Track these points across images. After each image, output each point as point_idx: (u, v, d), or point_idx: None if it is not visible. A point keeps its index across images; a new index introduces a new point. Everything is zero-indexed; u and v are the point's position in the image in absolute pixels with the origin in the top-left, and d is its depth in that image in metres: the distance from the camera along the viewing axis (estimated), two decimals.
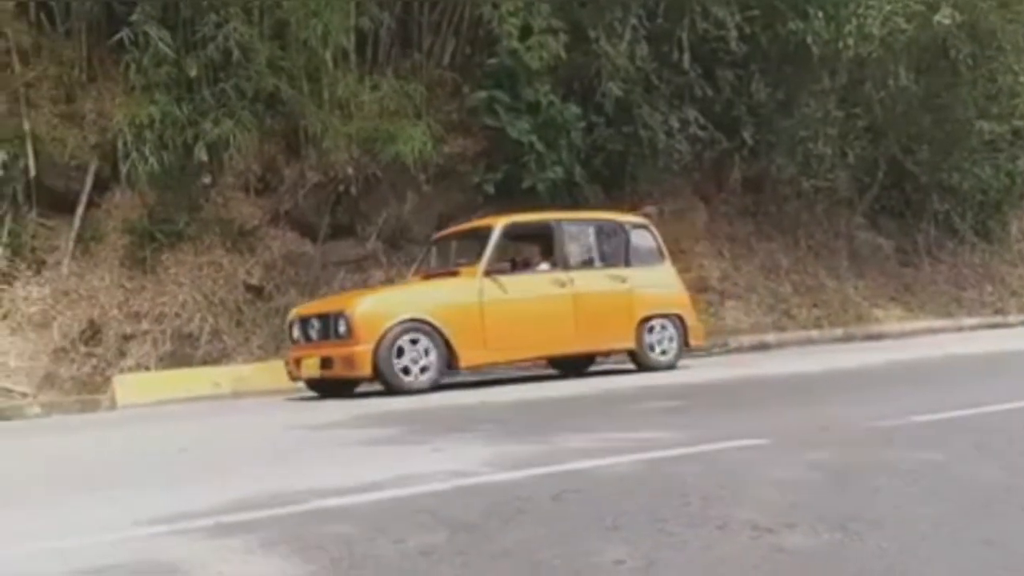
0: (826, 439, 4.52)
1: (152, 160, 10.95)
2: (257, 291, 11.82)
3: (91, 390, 10.24)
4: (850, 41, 14.61)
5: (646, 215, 11.15)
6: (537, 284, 9.84)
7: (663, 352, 10.22)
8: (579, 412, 6.63)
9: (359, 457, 4.81)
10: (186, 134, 11.20)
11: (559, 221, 10.17)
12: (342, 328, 8.85)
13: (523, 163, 12.77)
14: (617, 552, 2.59)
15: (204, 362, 10.94)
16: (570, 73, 13.29)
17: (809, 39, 14.46)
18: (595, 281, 10.07)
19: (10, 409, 9.63)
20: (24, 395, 9.98)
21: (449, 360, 9.01)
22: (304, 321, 9.43)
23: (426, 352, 8.84)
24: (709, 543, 2.68)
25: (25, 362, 10.34)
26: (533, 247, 10.48)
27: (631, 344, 10.12)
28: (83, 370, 10.52)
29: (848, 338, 14.51)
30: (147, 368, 10.65)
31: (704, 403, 6.77)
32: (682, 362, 10.37)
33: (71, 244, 11.17)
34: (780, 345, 13.62)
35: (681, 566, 2.49)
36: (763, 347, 13.45)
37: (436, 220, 13.11)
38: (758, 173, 16.00)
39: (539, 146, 12.74)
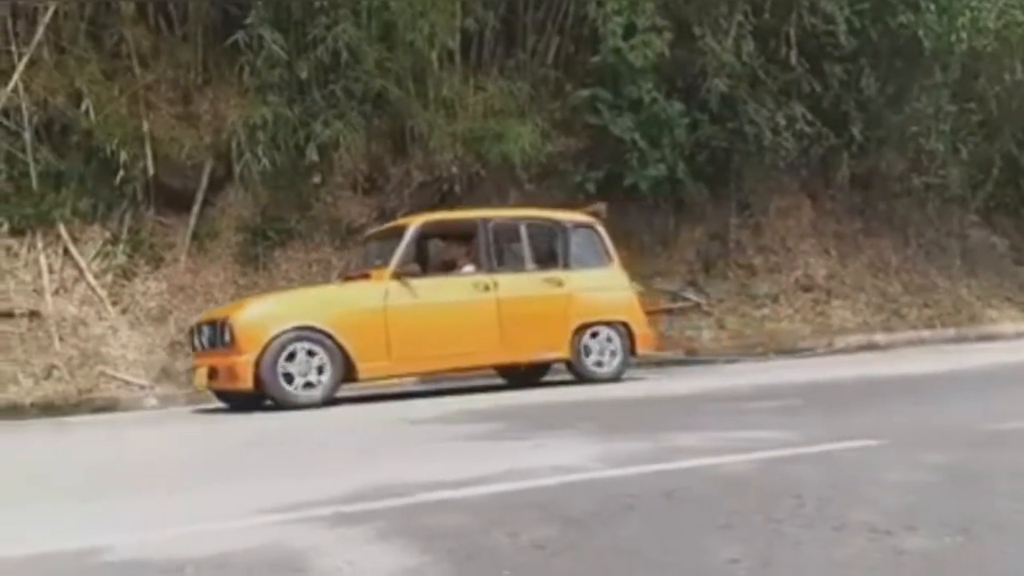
0: (940, 440, 4.42)
1: (264, 160, 11.26)
2: None
3: None
4: (963, 35, 14.19)
5: (594, 213, 10.25)
6: (455, 288, 9.05)
7: (600, 363, 9.36)
8: (681, 411, 6.60)
9: (464, 452, 4.89)
10: (298, 135, 11.47)
11: (485, 220, 9.37)
12: (226, 336, 8.19)
13: (625, 161, 12.72)
14: (731, 551, 2.59)
15: None
16: (674, 70, 13.19)
17: (920, 32, 14.08)
18: (524, 285, 9.25)
19: (129, 401, 10.01)
20: (142, 387, 10.36)
21: (346, 371, 8.29)
22: (199, 328, 8.85)
23: (319, 363, 8.13)
24: (826, 544, 2.66)
25: (143, 355, 10.73)
26: (461, 248, 9.70)
27: (565, 353, 9.28)
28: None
29: (960, 339, 14.09)
30: None
31: (815, 403, 6.66)
32: (780, 363, 10.08)
33: (187, 241, 11.56)
34: (889, 346, 13.31)
35: (798, 567, 2.48)
36: (871, 347, 13.16)
37: None
38: (867, 170, 15.64)
39: (642, 143, 12.67)
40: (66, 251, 11.00)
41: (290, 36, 11.48)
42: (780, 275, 14.35)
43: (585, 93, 12.88)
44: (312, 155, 11.51)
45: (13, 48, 10.95)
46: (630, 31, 12.38)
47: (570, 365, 9.41)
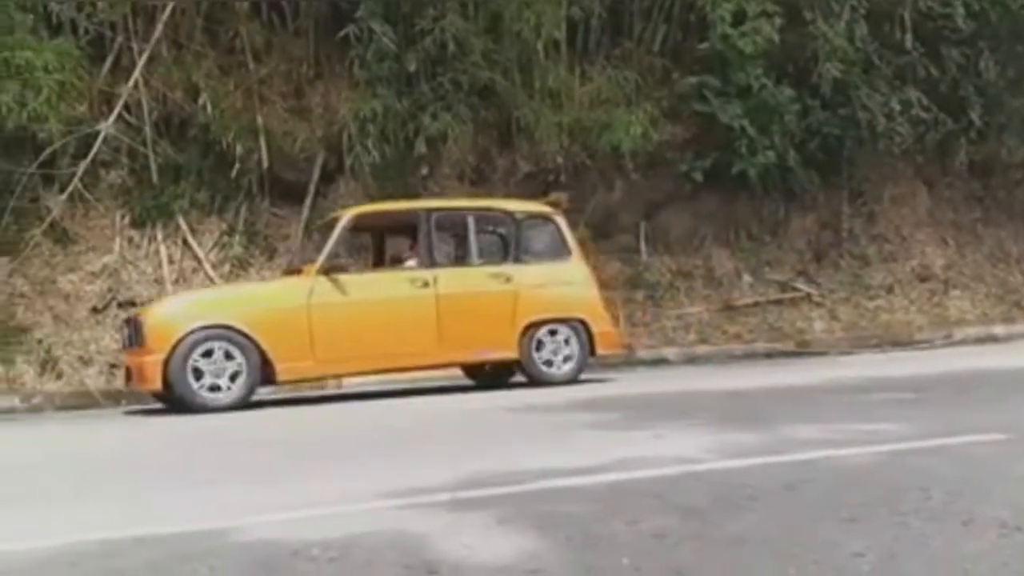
0: None
1: (374, 152, 11.43)
2: None
3: None
4: None
5: (554, 204, 9.78)
6: (389, 284, 8.59)
7: (552, 362, 8.74)
8: (797, 403, 6.49)
9: (581, 440, 4.90)
10: (407, 127, 11.62)
11: (427, 211, 8.80)
12: (138, 335, 7.89)
13: (734, 149, 12.55)
14: (856, 544, 2.55)
15: None
16: (784, 55, 12.94)
17: None
18: (467, 280, 8.74)
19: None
20: None
21: (265, 372, 7.87)
22: (125, 325, 8.58)
23: (234, 364, 7.72)
24: (954, 539, 2.60)
25: None
26: (405, 242, 9.27)
27: (512, 353, 8.66)
28: None
29: None
30: None
31: (935, 396, 6.48)
32: (895, 355, 9.78)
33: (300, 232, 11.81)
34: (1009, 338, 12.85)
35: (925, 561, 2.43)
36: (991, 339, 12.72)
37: (644, 208, 13.12)
38: (986, 156, 15.11)
39: (750, 131, 12.48)
40: (185, 242, 11.36)
41: (399, 29, 11.62)
42: (895, 265, 13.99)
43: (692, 80, 12.74)
44: (420, 147, 11.64)
45: (133, 45, 11.32)
46: (739, 17, 12.19)
47: (520, 366, 8.79)
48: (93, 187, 10.99)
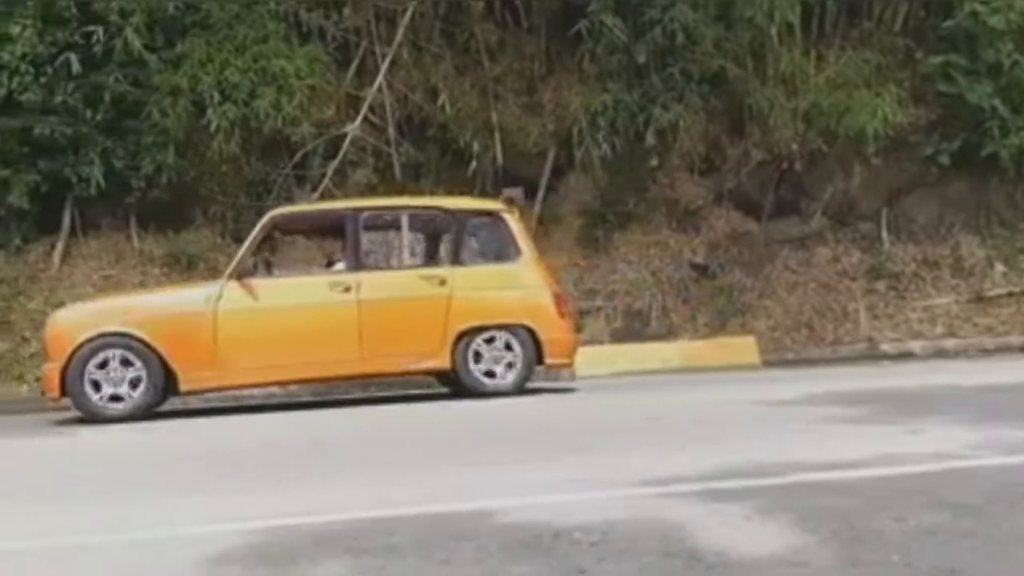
0: None
1: (605, 145, 11.51)
2: (702, 270, 12.06)
3: None
4: None
5: (508, 200, 8.98)
6: (305, 290, 8.05)
7: (492, 373, 7.96)
8: None
9: (831, 434, 4.77)
10: (637, 119, 11.64)
11: (356, 210, 8.18)
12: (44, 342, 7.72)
13: (984, 130, 11.89)
14: None
15: (652, 338, 11.34)
16: None
17: None
18: (394, 284, 8.17)
19: None
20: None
21: (167, 382, 7.54)
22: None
23: (134, 373, 7.40)
24: None
25: None
26: (338, 243, 8.71)
27: (442, 363, 7.97)
28: None
29: None
30: (600, 342, 11.22)
31: None
32: None
33: (533, 226, 12.00)
34: None
35: None
36: None
37: (886, 194, 12.60)
38: None
39: (1002, 111, 11.82)
40: None
41: (628, 21, 11.65)
42: None
43: (937, 60, 12.16)
44: (650, 139, 11.63)
45: (377, 49, 11.89)
46: None
47: (455, 376, 8.09)
48: (341, 186, 11.60)
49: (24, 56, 9.97)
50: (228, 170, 11.16)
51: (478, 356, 7.96)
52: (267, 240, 8.58)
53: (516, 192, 9.00)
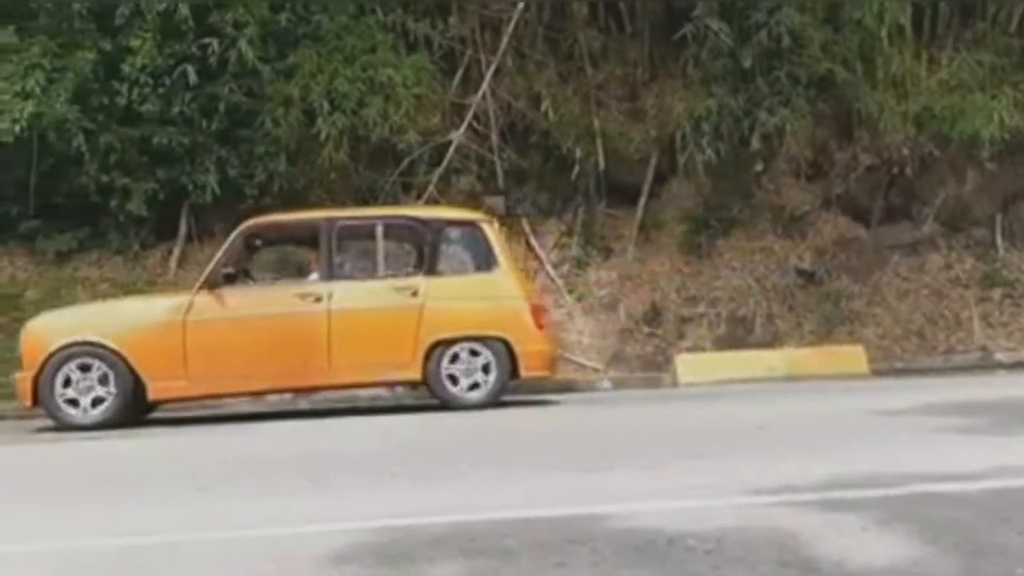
0: None
1: (709, 151, 11.42)
2: (808, 276, 11.88)
3: (654, 368, 10.96)
4: None
5: (488, 210, 8.74)
6: (276, 300, 7.99)
7: (462, 385, 7.89)
8: None
9: (945, 445, 4.68)
10: (741, 124, 11.52)
11: (329, 220, 8.15)
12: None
13: None
14: None
15: (757, 345, 11.21)
16: None
17: None
18: (366, 295, 8.04)
19: (584, 383, 10.62)
20: (596, 370, 10.96)
21: (136, 391, 7.59)
22: None
23: (103, 381, 7.50)
24: None
25: (596, 340, 11.34)
26: (312, 254, 8.67)
27: (414, 374, 7.93)
28: (646, 349, 11.30)
29: None
30: (703, 349, 11.15)
31: None
32: None
33: (634, 232, 12.05)
34: None
35: None
36: None
37: (1000, 200, 12.26)
38: None
39: None
40: (528, 243, 11.90)
41: (733, 24, 11.54)
42: None
43: None
44: (755, 143, 11.50)
45: (481, 57, 12.02)
46: None
47: (428, 388, 8.06)
48: (445, 192, 11.74)
49: (144, 68, 10.34)
50: (336, 178, 11.39)
51: (451, 368, 7.90)
52: (251, 250, 8.67)
53: (497, 201, 8.87)
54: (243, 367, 7.69)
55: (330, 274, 8.04)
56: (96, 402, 7.53)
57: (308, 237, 8.54)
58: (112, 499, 4.13)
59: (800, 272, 11.89)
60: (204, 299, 7.78)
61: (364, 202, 11.63)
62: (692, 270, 11.91)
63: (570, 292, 11.70)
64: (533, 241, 11.89)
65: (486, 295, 8.12)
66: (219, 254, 8.06)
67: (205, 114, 10.83)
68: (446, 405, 7.86)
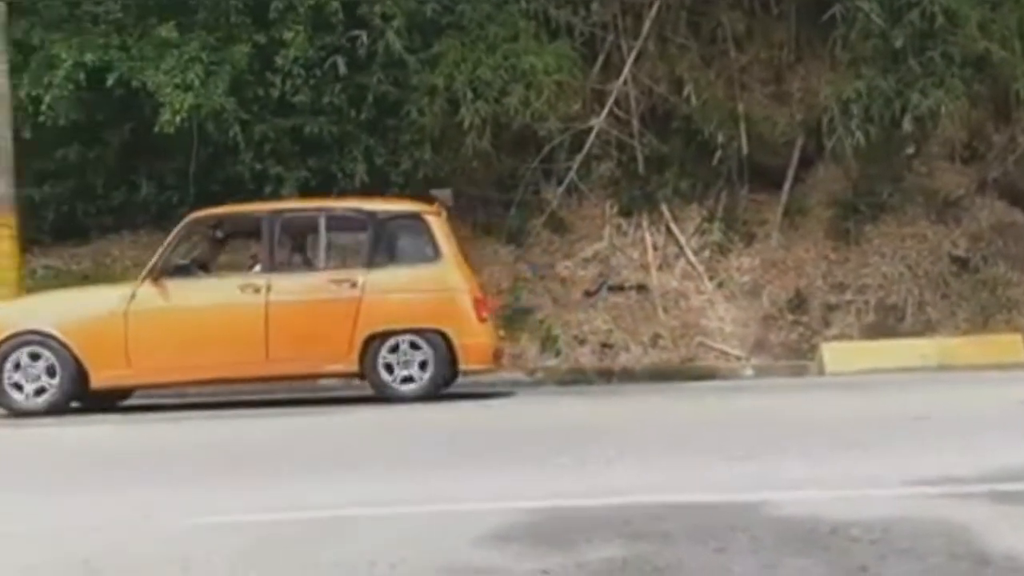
0: None
1: (858, 134, 11.12)
2: (963, 263, 11.47)
3: (798, 356, 10.76)
4: None
5: (434, 201, 8.40)
6: (216, 291, 8.08)
7: (405, 378, 7.84)
8: None
9: None
10: (892, 106, 11.17)
11: (272, 213, 8.23)
12: None
13: None
14: None
15: (907, 334, 10.88)
16: None
17: None
18: (304, 287, 8.06)
19: (726, 370, 10.52)
20: (738, 358, 10.83)
21: (81, 380, 7.74)
22: None
23: (49, 370, 7.70)
24: None
25: (738, 328, 11.20)
26: (259, 246, 8.56)
27: (351, 366, 7.92)
28: (790, 337, 11.10)
29: None
30: (850, 338, 10.89)
31: None
32: None
33: (778, 217, 11.83)
34: None
35: None
36: None
37: None
38: None
39: None
40: (668, 229, 11.82)
41: (884, 5, 11.20)
42: None
43: None
44: (907, 126, 11.14)
45: (622, 43, 11.97)
46: None
47: (365, 380, 8.02)
48: (585, 179, 11.78)
49: (296, 60, 10.65)
50: (479, 166, 11.52)
51: (387, 360, 7.90)
52: (219, 241, 8.88)
53: (444, 193, 8.74)
54: (183, 357, 7.85)
55: (271, 266, 8.16)
56: (37, 391, 7.77)
57: (253, 230, 8.58)
58: (279, 477, 4.31)
59: (954, 259, 11.47)
60: (147, 290, 7.95)
61: (505, 189, 11.79)
62: (839, 256, 11.62)
63: (711, 278, 11.57)
64: (673, 227, 11.79)
65: (427, 287, 8.11)
66: (163, 246, 8.22)
67: (354, 104, 11.09)
68: (382, 397, 7.89)
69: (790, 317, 11.27)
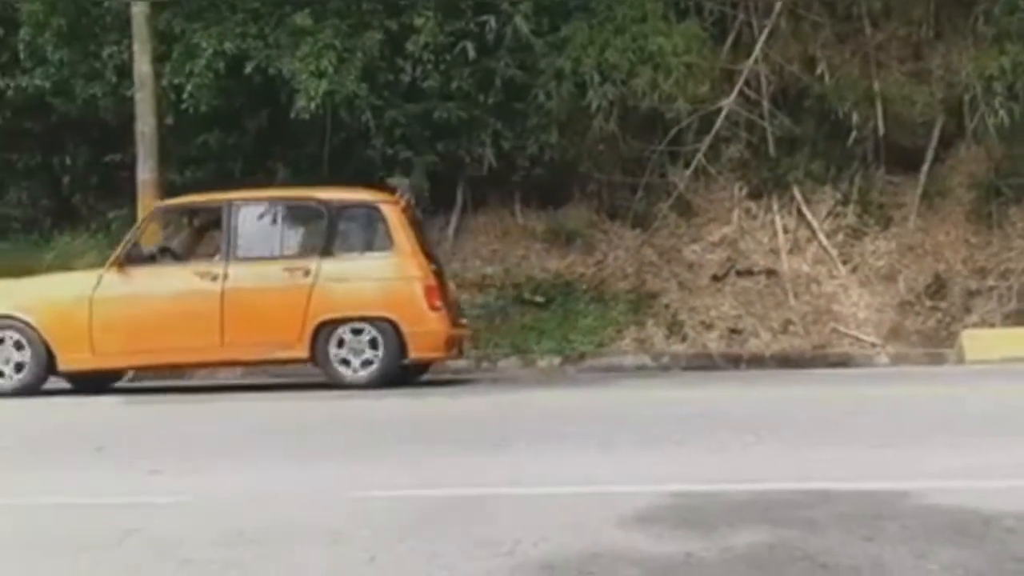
0: None
1: (1001, 112, 10.68)
2: None
3: (936, 344, 10.43)
4: None
5: (396, 192, 8.34)
6: (176, 279, 8.38)
7: (352, 365, 8.03)
8: None
9: None
10: None
11: (231, 202, 8.44)
12: None
13: None
14: None
15: None
16: None
17: None
18: (258, 275, 8.23)
19: (860, 357, 10.27)
20: (873, 345, 10.55)
21: (49, 363, 8.15)
22: None
23: (19, 352, 8.13)
24: None
25: (873, 314, 10.91)
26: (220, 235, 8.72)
27: (301, 353, 8.12)
28: (928, 324, 10.77)
29: None
30: (992, 325, 10.50)
31: None
32: None
33: (916, 200, 11.45)
34: None
35: None
36: None
37: None
38: None
39: None
40: (799, 212, 11.58)
41: None
42: None
43: None
44: None
45: (753, 21, 11.75)
46: None
47: (316, 367, 8.22)
48: (714, 161, 11.61)
49: (426, 46, 10.77)
50: (605, 149, 11.48)
51: (340, 348, 8.10)
52: (197, 231, 9.39)
53: (403, 183, 8.81)
54: (141, 342, 8.18)
55: (229, 254, 8.38)
56: (7, 373, 8.20)
57: (215, 218, 8.87)
58: (426, 456, 4.41)
59: None
60: (112, 276, 8.32)
61: (631, 173, 11.72)
62: (981, 240, 11.19)
63: (844, 263, 11.30)
64: (805, 210, 11.54)
65: (378, 276, 8.30)
66: (131, 233, 8.69)
67: (482, 89, 11.17)
68: (333, 384, 8.05)
69: (928, 303, 10.92)
